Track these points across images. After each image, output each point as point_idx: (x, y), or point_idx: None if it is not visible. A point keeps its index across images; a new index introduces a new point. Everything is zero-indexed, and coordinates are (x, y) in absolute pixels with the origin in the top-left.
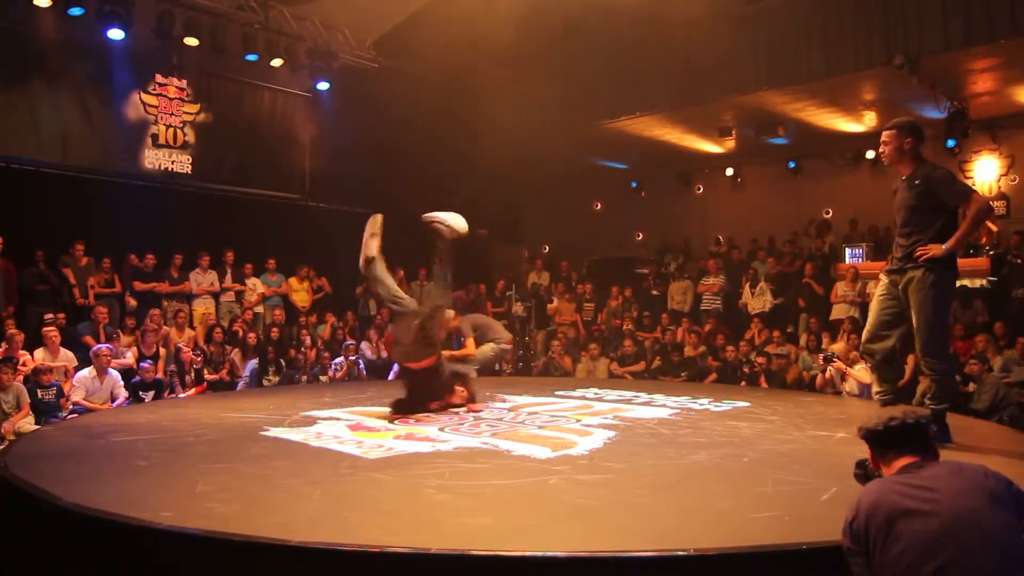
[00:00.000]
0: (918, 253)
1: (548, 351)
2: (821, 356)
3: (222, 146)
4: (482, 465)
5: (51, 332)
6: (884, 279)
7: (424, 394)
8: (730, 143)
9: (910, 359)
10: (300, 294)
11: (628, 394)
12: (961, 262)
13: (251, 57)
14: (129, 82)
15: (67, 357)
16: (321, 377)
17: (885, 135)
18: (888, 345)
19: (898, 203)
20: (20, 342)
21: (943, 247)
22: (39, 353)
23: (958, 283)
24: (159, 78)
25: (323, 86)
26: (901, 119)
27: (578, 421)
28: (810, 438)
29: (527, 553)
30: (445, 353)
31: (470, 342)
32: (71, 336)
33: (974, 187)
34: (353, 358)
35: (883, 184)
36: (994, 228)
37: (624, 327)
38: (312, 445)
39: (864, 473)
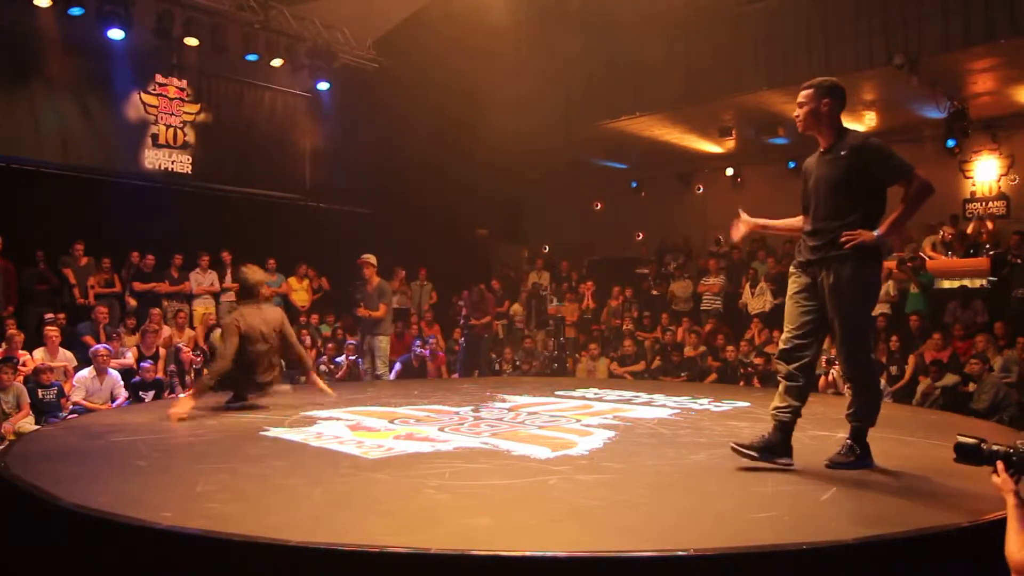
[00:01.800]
0: (844, 239)
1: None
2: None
3: (222, 146)
4: (482, 465)
5: (51, 332)
6: (799, 276)
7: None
8: (730, 143)
9: (911, 359)
10: (300, 294)
11: (628, 394)
12: (961, 262)
13: (251, 57)
14: (129, 82)
15: (67, 357)
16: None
17: (801, 96)
18: (811, 355)
19: (815, 181)
20: (20, 342)
21: (874, 233)
22: (39, 353)
23: (958, 283)
24: (159, 78)
25: (323, 86)
26: (821, 78)
27: (578, 421)
28: (810, 438)
29: (527, 553)
30: (361, 311)
31: (384, 307)
32: (71, 336)
33: (975, 185)
34: (353, 358)
35: None
36: (990, 225)
37: (624, 327)
38: (312, 445)
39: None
